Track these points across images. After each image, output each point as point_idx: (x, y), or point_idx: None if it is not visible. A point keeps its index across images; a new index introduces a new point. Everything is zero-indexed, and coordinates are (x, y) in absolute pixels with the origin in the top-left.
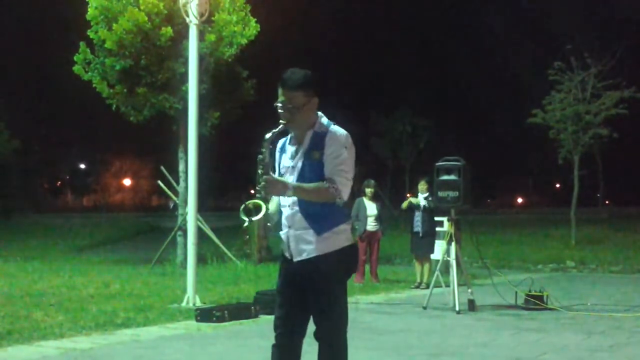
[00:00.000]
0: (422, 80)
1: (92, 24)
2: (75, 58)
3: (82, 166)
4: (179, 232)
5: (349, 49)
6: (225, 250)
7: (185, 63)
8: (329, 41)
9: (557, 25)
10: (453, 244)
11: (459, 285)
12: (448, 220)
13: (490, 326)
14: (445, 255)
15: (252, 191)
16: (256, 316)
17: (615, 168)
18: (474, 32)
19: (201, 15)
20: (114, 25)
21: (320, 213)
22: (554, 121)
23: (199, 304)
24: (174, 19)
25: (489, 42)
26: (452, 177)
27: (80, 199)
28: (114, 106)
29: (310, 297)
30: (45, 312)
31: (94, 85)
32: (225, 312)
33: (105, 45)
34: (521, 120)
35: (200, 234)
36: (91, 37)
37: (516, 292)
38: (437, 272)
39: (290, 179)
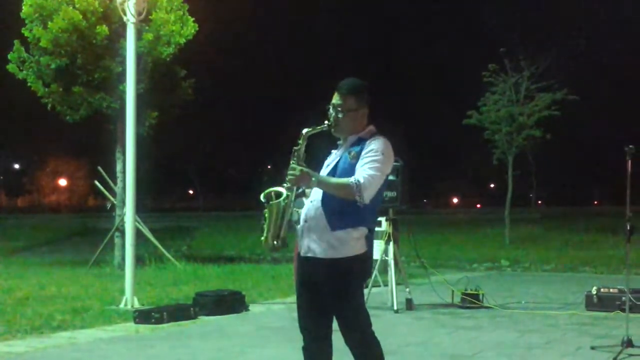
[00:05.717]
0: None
1: (26, 22)
2: (9, 56)
3: (17, 166)
4: (117, 233)
5: (284, 45)
6: (164, 251)
7: (123, 62)
8: (266, 40)
9: (494, 28)
10: (391, 243)
11: (396, 284)
12: (386, 220)
13: (427, 325)
14: (384, 255)
15: (191, 191)
16: (195, 317)
17: (548, 169)
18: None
19: (139, 14)
20: (49, 23)
21: (340, 210)
22: (489, 122)
23: (137, 305)
24: (111, 17)
25: (430, 43)
26: (391, 177)
27: (15, 200)
28: (50, 105)
29: (324, 299)
30: None
31: (28, 84)
32: (164, 313)
33: (40, 44)
34: (458, 121)
35: (139, 235)
36: (26, 35)
37: (453, 291)
38: (375, 272)
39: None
